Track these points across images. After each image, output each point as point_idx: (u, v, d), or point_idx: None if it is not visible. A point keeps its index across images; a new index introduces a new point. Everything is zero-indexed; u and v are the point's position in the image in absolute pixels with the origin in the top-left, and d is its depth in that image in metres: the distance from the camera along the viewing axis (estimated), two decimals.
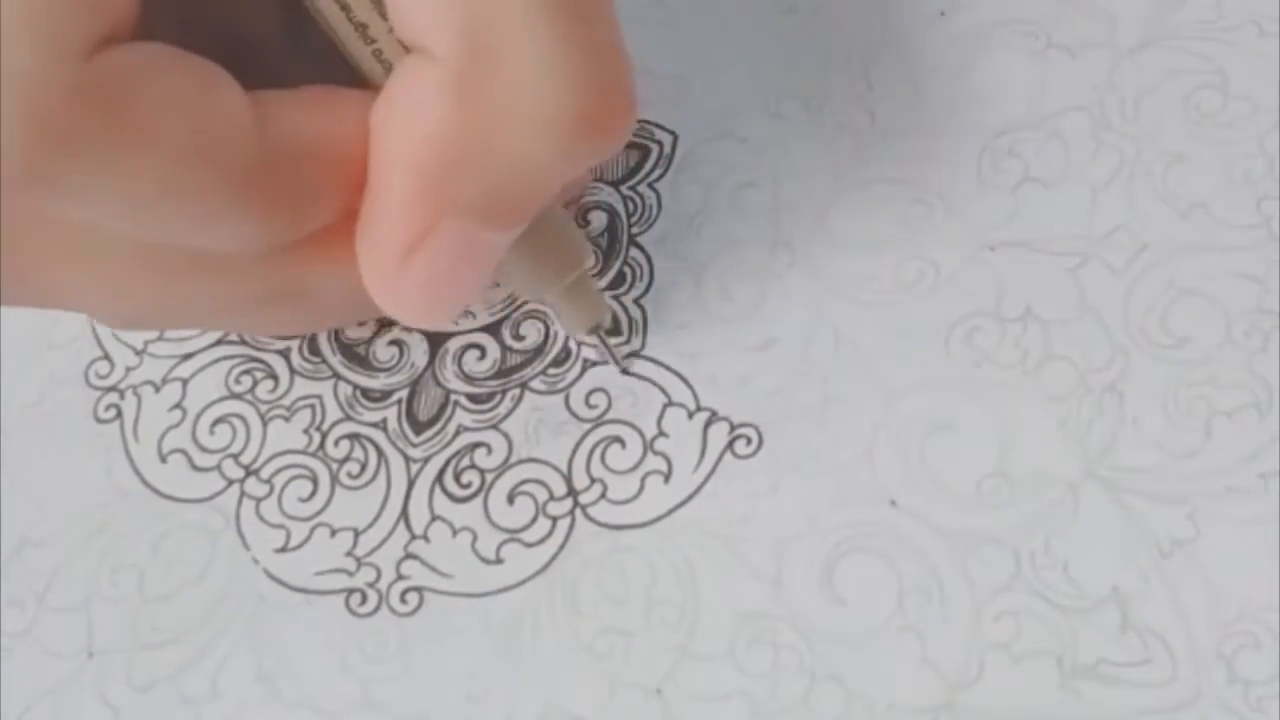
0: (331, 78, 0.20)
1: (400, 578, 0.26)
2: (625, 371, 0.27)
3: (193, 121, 0.18)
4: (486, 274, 0.21)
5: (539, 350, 0.27)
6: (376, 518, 0.26)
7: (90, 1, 0.17)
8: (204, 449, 0.28)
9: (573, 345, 0.27)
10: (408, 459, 0.27)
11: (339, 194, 0.20)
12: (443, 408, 0.27)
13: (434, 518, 0.26)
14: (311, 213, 0.20)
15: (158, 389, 0.29)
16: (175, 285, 0.22)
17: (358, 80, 0.20)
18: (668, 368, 0.27)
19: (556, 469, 0.26)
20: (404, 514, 0.26)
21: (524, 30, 0.18)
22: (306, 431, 0.27)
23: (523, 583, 0.25)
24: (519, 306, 0.28)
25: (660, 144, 0.29)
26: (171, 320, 0.24)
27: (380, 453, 0.27)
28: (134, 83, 0.18)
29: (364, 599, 0.26)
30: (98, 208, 0.18)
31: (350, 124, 0.20)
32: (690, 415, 0.26)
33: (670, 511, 0.25)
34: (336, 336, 0.28)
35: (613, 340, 0.26)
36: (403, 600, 0.26)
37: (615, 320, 0.27)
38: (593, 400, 0.27)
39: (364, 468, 0.27)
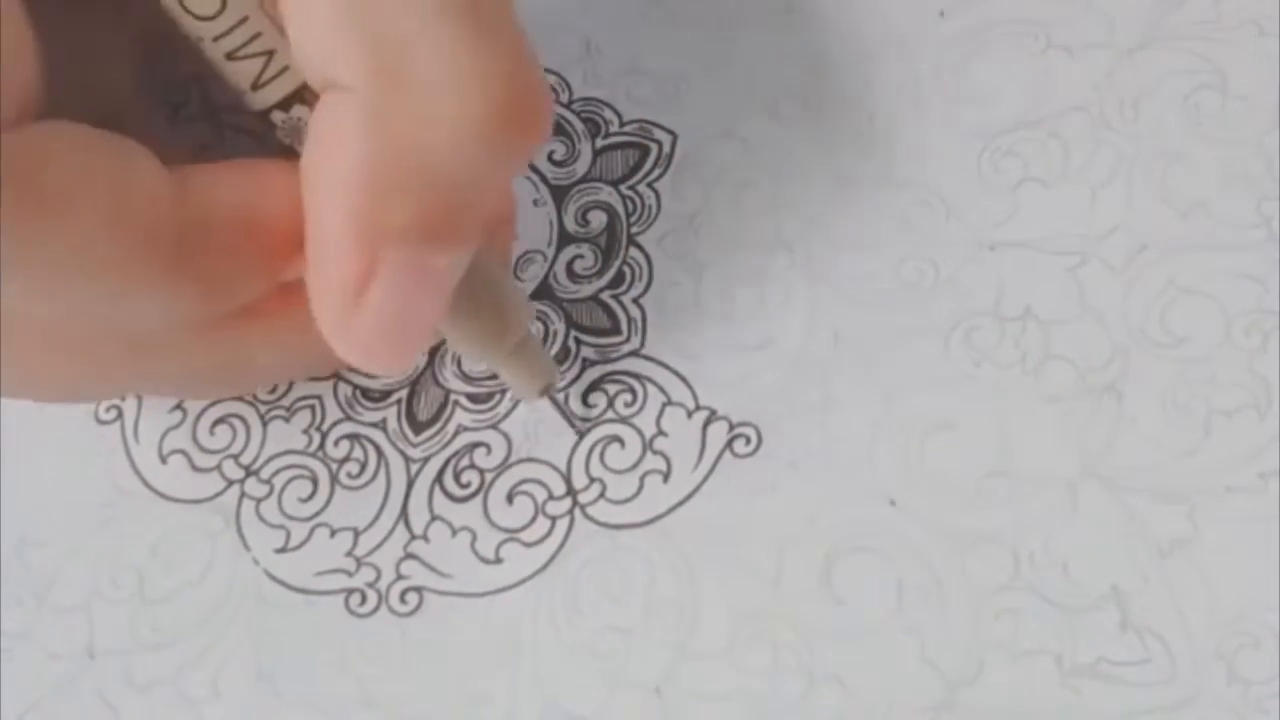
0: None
1: (400, 578, 0.26)
2: (581, 434, 0.26)
3: (105, 197, 0.18)
4: (442, 305, 0.21)
5: None
6: (376, 518, 0.26)
7: None
8: (204, 449, 0.28)
9: (572, 344, 0.27)
10: (407, 459, 0.27)
11: (267, 266, 0.20)
12: (442, 407, 0.27)
13: (433, 518, 0.26)
14: (237, 286, 0.20)
15: None
16: (95, 366, 0.21)
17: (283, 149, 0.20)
18: (667, 367, 0.27)
19: (556, 469, 0.26)
20: (403, 514, 0.26)
21: (426, 43, 0.18)
22: (306, 432, 0.27)
23: (522, 582, 0.25)
24: None
25: (660, 144, 0.29)
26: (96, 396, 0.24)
27: (380, 453, 0.27)
28: (41, 161, 0.17)
29: (364, 599, 0.26)
30: (8, 286, 0.18)
31: (278, 193, 0.20)
32: (689, 414, 0.26)
33: (669, 511, 0.25)
34: None
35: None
36: (402, 600, 0.26)
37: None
38: (591, 400, 0.27)
39: (363, 468, 0.27)
